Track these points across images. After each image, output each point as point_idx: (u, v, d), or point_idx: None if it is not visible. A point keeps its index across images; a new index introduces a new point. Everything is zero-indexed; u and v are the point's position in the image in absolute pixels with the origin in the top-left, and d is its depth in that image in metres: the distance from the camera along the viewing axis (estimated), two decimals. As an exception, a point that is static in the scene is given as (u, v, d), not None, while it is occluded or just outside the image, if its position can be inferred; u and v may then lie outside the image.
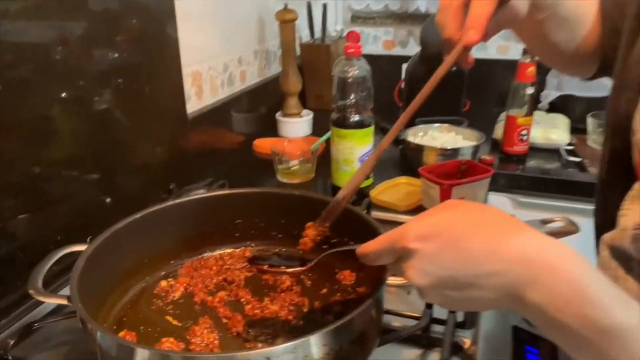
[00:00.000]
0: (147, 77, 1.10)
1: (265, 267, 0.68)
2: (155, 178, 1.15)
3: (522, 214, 1.37)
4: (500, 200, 1.40)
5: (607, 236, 0.60)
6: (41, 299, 0.62)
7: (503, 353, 0.72)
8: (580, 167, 1.45)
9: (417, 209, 1.18)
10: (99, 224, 0.94)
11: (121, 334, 0.69)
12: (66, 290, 0.62)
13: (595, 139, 1.54)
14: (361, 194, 1.19)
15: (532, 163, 1.51)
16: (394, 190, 1.25)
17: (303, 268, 0.67)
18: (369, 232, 0.73)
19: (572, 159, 1.48)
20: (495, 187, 1.23)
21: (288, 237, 0.87)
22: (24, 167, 0.82)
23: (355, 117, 1.17)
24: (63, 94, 0.89)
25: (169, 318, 0.73)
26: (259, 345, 0.65)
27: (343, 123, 1.17)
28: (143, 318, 0.73)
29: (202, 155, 1.34)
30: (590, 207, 0.71)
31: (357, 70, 1.16)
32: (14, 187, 0.81)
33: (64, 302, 0.61)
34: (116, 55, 1.01)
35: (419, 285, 0.50)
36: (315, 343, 0.53)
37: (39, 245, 0.86)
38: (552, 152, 1.55)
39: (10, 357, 0.70)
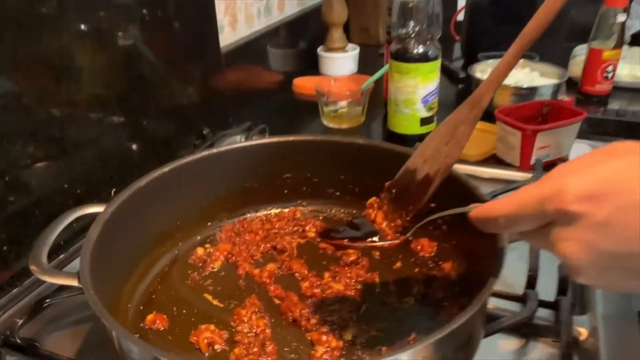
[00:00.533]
0: (175, 6, 0.95)
1: (345, 241, 0.52)
2: (187, 122, 1.02)
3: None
4: (579, 148, 1.20)
5: None
6: (45, 278, 0.49)
7: (631, 348, 0.56)
8: (675, 110, 1.23)
9: (490, 159, 1.00)
10: (124, 173, 0.85)
11: (149, 317, 0.56)
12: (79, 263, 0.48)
13: (691, 76, 1.31)
14: (419, 141, 1.02)
15: (614, 105, 1.30)
16: (460, 136, 1.07)
17: (397, 241, 0.51)
18: (460, 191, 0.57)
19: (664, 100, 1.26)
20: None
21: (347, 196, 0.73)
22: (40, 110, 0.71)
23: (418, 49, 0.98)
24: (82, 27, 0.75)
25: (208, 297, 0.60)
26: (324, 338, 0.51)
27: (404, 56, 0.98)
28: (176, 296, 0.60)
29: (237, 96, 1.20)
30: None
31: (422, -9, 0.96)
32: (30, 131, 0.70)
33: (74, 282, 0.47)
34: (139, -19, 0.85)
35: (578, 263, 0.36)
36: (413, 357, 0.38)
37: (56, 200, 0.75)
38: (637, 92, 1.33)
39: (18, 340, 0.58)
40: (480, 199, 0.53)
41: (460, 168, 0.95)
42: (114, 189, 0.85)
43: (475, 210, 0.43)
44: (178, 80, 0.99)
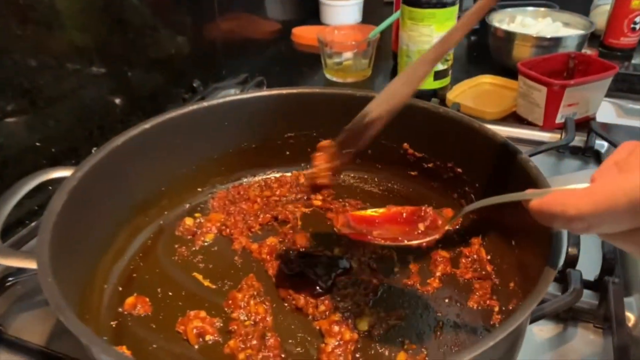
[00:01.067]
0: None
1: (371, 237, 0.43)
2: (176, 73, 0.94)
3: (631, 123, 1.09)
4: (605, 108, 1.11)
5: None
6: (-4, 260, 0.40)
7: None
8: None
9: (509, 118, 0.92)
10: (106, 130, 0.79)
11: (129, 300, 0.48)
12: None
13: None
14: (434, 96, 0.93)
15: (638, 60, 1.21)
16: (476, 92, 0.99)
17: (436, 236, 0.42)
18: (493, 155, 0.48)
19: (694, 55, 1.17)
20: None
21: (358, 158, 0.62)
22: (14, 59, 0.64)
23: (435, -8, 0.87)
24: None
25: (198, 276, 0.52)
26: (335, 328, 0.43)
27: (419, 0, 0.88)
28: (161, 275, 0.52)
29: (231, 46, 1.11)
30: None
31: None
32: (3, 82, 0.63)
33: (33, 265, 0.38)
34: None
35: None
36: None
37: (27, 159, 0.69)
38: (663, 46, 1.24)
39: (-22, 324, 0.50)
40: (536, 181, 0.44)
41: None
42: (94, 148, 0.77)
43: (541, 202, 0.33)
44: (166, 28, 0.91)
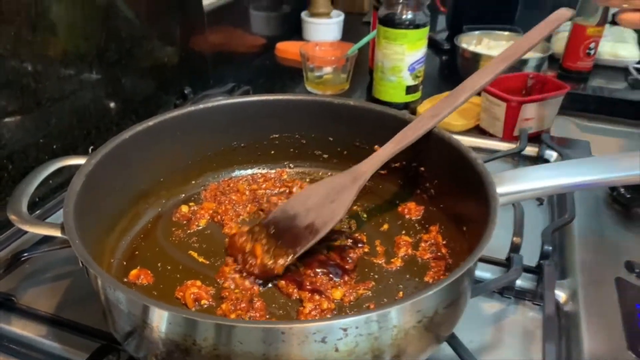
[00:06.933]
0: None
1: None
2: (167, 81, 0.99)
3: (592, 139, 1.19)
4: (563, 124, 1.21)
5: None
6: (26, 228, 0.47)
7: (608, 313, 0.57)
8: (653, 88, 1.25)
9: (473, 130, 1.01)
10: (102, 130, 0.84)
11: (133, 272, 0.54)
12: (59, 216, 0.46)
13: (671, 56, 1.33)
14: (405, 109, 1.02)
15: (594, 82, 1.31)
16: (445, 106, 1.06)
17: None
18: (449, 156, 0.56)
19: (643, 78, 1.27)
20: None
21: (335, 158, 0.72)
22: (14, 63, 0.68)
23: (407, 15, 0.96)
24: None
25: (194, 254, 0.59)
26: (316, 297, 0.50)
27: (393, 21, 0.97)
28: (160, 252, 0.58)
29: (219, 57, 1.17)
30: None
31: (413, -45, 0.94)
32: (3, 84, 0.67)
33: (57, 233, 0.45)
34: None
35: None
36: (409, 309, 0.38)
37: (31, 155, 0.73)
38: (617, 70, 1.35)
39: (-6, 294, 0.56)
40: (482, 175, 0.52)
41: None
42: (91, 147, 0.83)
43: None
44: (158, 38, 0.97)
